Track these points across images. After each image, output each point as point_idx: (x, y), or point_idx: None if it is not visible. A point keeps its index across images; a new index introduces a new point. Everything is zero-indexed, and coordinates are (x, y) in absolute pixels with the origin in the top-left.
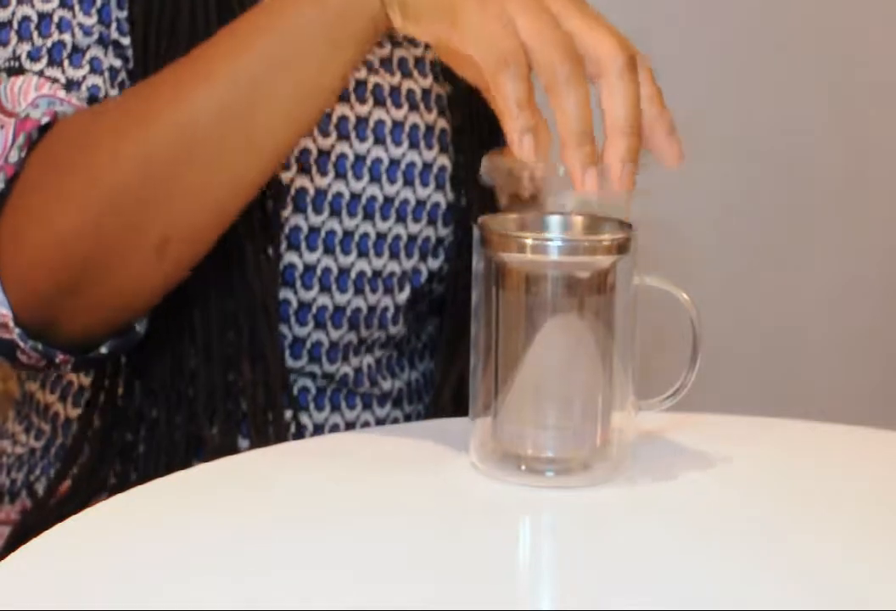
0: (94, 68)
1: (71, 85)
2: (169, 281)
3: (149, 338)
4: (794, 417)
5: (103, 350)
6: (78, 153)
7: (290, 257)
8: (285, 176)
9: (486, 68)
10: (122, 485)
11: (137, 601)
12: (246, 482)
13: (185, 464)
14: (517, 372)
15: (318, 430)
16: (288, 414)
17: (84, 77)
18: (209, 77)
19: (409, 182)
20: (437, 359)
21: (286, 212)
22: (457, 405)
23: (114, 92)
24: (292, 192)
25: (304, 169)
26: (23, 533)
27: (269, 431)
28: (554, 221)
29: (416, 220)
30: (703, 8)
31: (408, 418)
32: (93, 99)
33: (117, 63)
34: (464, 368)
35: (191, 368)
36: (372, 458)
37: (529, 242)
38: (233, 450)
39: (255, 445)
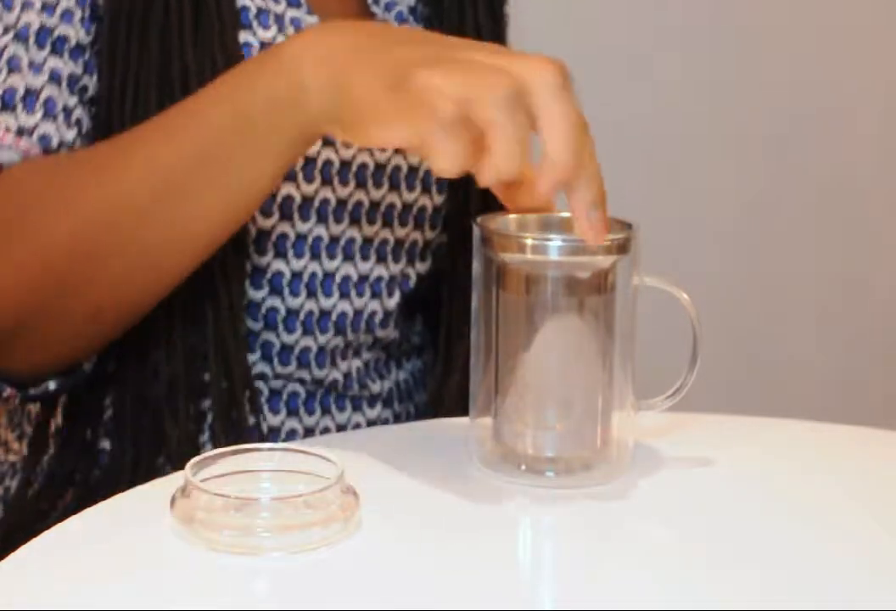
0: (48, 112)
1: (22, 132)
2: (105, 340)
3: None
4: (794, 417)
5: (51, 387)
6: (15, 215)
7: (277, 265)
8: None
9: (417, 145)
10: (87, 482)
11: (136, 601)
12: (242, 483)
13: (151, 463)
14: (517, 372)
15: (309, 433)
16: (269, 418)
17: (36, 125)
18: (130, 171)
19: (394, 186)
20: (437, 361)
21: (272, 220)
22: (455, 406)
23: (69, 134)
24: (279, 200)
25: (289, 177)
26: (5, 534)
27: (231, 432)
28: (554, 220)
29: (403, 224)
30: (704, 7)
31: (397, 418)
32: (44, 148)
33: (72, 101)
34: (463, 368)
35: (155, 365)
36: (371, 458)
37: (529, 242)
38: (194, 449)
39: (217, 446)
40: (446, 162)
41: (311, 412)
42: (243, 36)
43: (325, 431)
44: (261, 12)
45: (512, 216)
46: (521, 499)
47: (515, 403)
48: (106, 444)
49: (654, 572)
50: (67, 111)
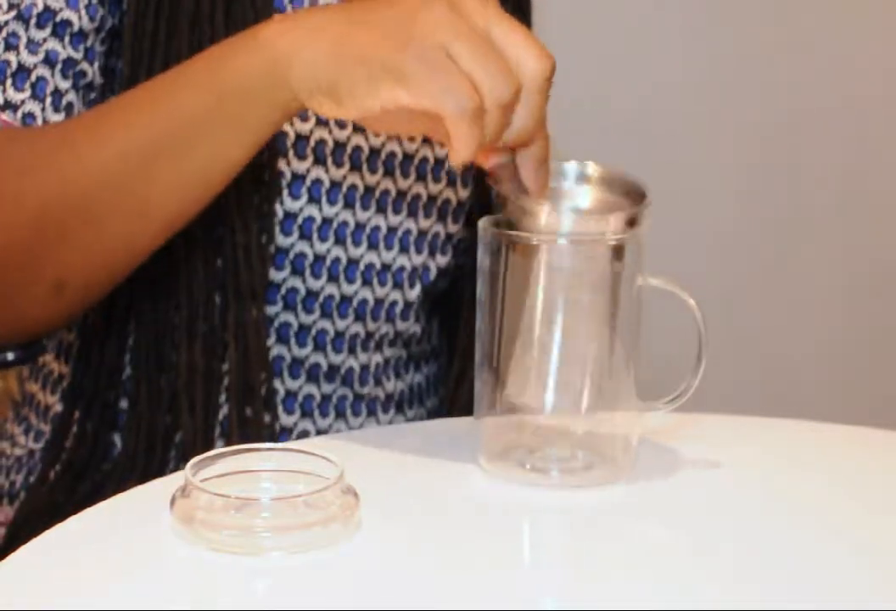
0: (36, 93)
1: (6, 106)
2: (69, 316)
3: (137, 322)
4: (794, 417)
5: (9, 357)
6: None
7: (301, 247)
8: (301, 166)
9: (446, 116)
10: (100, 477)
11: (136, 601)
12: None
13: (162, 459)
14: (521, 329)
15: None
16: (268, 417)
17: (22, 101)
18: (104, 145)
19: (421, 177)
20: (454, 362)
21: (300, 202)
22: (467, 411)
23: (55, 117)
24: (308, 183)
25: (319, 160)
26: (16, 528)
27: (245, 428)
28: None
29: (427, 215)
30: (703, 6)
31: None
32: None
33: (64, 85)
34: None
35: (174, 355)
36: (375, 457)
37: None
38: (207, 444)
39: (229, 442)
40: (467, 148)
41: (324, 415)
42: None
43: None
44: (294, 0)
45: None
46: (523, 499)
47: (517, 354)
48: (118, 437)
49: (655, 572)
50: (58, 94)
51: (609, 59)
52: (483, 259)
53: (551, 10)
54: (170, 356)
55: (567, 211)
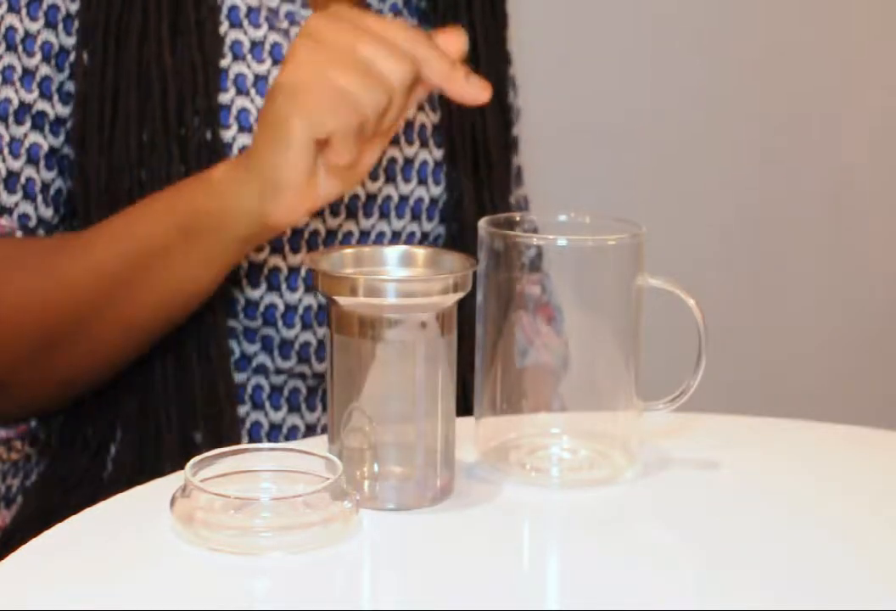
0: (28, 192)
1: (2, 211)
2: (66, 400)
3: None
4: (794, 417)
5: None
6: None
7: (274, 261)
8: None
9: (336, 136)
10: (93, 482)
11: (136, 601)
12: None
13: (154, 468)
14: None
15: (311, 430)
16: (246, 412)
17: (16, 203)
18: (79, 276)
19: (390, 178)
20: None
21: None
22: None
23: (48, 212)
24: None
25: None
26: (11, 534)
27: (219, 428)
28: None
29: (400, 216)
30: (702, 9)
31: None
32: (23, 226)
33: (49, 176)
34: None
35: (151, 365)
36: None
37: (362, 282)
38: (188, 446)
39: (206, 442)
40: (350, 154)
41: (312, 409)
42: (234, 34)
43: (326, 429)
44: (251, 11)
45: (348, 251)
46: (524, 498)
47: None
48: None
49: (655, 571)
50: (46, 187)
51: (610, 61)
52: (482, 262)
53: (553, 14)
54: (150, 364)
55: (391, 281)
